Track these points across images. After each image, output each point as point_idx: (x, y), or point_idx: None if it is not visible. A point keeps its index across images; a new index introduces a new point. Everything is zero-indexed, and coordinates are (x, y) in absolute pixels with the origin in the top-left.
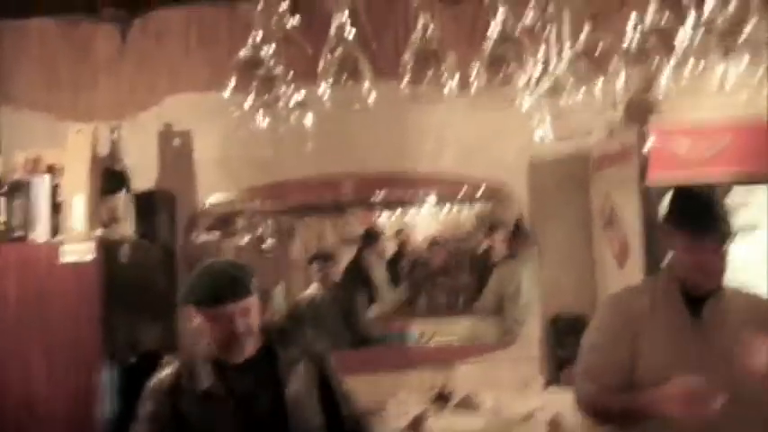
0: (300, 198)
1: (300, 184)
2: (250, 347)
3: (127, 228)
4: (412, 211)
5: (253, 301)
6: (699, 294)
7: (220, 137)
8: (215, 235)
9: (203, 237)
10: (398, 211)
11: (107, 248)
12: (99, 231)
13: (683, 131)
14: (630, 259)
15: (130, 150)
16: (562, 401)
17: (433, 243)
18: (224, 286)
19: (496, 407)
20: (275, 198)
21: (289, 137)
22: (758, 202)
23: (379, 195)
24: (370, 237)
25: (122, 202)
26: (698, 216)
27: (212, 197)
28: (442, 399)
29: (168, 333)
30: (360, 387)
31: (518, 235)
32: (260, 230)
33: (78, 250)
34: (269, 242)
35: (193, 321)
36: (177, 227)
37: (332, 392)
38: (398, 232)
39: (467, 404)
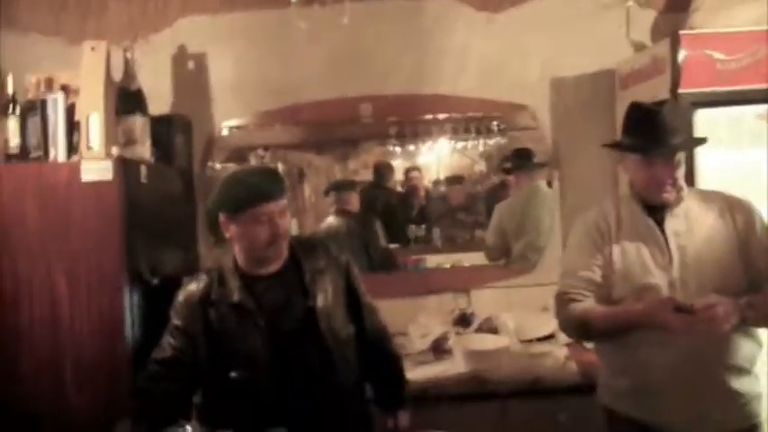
0: (316, 120)
1: (316, 107)
2: (281, 256)
3: (144, 150)
4: (428, 145)
5: (286, 204)
6: (659, 205)
7: (234, 60)
8: (231, 168)
9: (219, 166)
10: (413, 146)
11: (126, 169)
12: (117, 151)
13: (717, 39)
14: None
15: (144, 74)
16: None
17: (451, 181)
18: (263, 187)
19: (518, 328)
20: (290, 123)
21: (304, 58)
22: None
23: (394, 129)
24: (381, 172)
25: (139, 123)
26: (645, 130)
27: (228, 122)
28: (463, 321)
29: (188, 258)
30: (384, 309)
31: (520, 166)
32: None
33: (98, 169)
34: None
35: (228, 231)
36: (194, 153)
37: (358, 302)
38: (411, 169)
39: (488, 326)
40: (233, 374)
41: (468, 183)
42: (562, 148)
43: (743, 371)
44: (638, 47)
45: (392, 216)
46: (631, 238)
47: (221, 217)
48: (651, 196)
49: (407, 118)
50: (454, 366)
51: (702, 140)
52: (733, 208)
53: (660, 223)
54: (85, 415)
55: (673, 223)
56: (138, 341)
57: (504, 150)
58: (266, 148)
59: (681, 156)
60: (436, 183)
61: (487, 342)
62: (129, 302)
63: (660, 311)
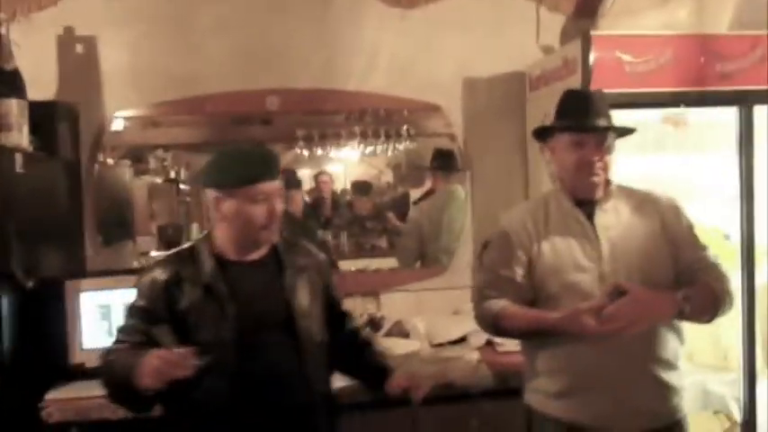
0: (220, 112)
1: (220, 99)
2: (270, 242)
3: (21, 138)
4: (336, 150)
5: (282, 187)
6: (588, 199)
7: (130, 45)
8: (126, 164)
9: (111, 161)
10: (322, 151)
11: None
12: None
13: (626, 42)
14: None
15: (25, 55)
16: None
17: (358, 189)
18: (262, 165)
19: (429, 332)
20: (189, 113)
21: (208, 48)
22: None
23: (302, 132)
24: (289, 181)
25: (15, 107)
26: (578, 111)
27: (121, 112)
28: (373, 325)
29: (72, 259)
30: None
31: (440, 167)
32: (173, 173)
33: None
34: (183, 186)
35: (219, 209)
36: (82, 145)
37: (335, 307)
38: (320, 173)
39: (399, 330)
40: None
41: (375, 193)
42: (473, 149)
43: (670, 365)
44: (548, 50)
45: (298, 223)
46: (561, 233)
47: (213, 193)
48: (580, 183)
49: (316, 112)
50: None
51: (631, 130)
52: (659, 204)
53: (590, 218)
54: None
55: (602, 217)
56: (10, 354)
57: (413, 156)
58: (166, 148)
59: (610, 143)
60: (343, 192)
61: (398, 347)
62: (3, 306)
63: (575, 321)
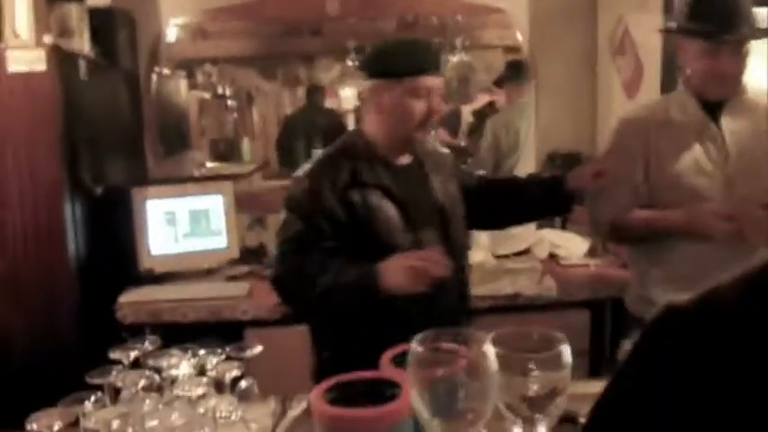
0: (277, 17)
1: (277, 3)
2: (424, 142)
3: (83, 43)
4: None
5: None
6: (716, 101)
7: None
8: (181, 75)
9: (169, 74)
10: None
11: (62, 60)
12: (50, 39)
13: None
14: (644, 88)
15: None
16: (556, 238)
17: None
18: (429, 56)
19: (493, 243)
20: (245, 19)
21: None
22: None
23: (353, 43)
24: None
25: (75, 12)
26: (713, 13)
27: (175, 19)
28: None
29: (136, 168)
30: None
31: (513, 78)
32: (220, 88)
33: (27, 58)
34: (231, 102)
35: (379, 100)
36: (139, 53)
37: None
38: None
39: None
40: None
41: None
42: (539, 56)
43: None
44: None
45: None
46: (683, 135)
47: (372, 83)
48: (712, 89)
49: (371, 18)
50: None
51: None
52: None
53: (716, 119)
54: (23, 335)
55: (731, 120)
56: (82, 258)
57: (464, 70)
58: (214, 62)
59: (748, 47)
60: None
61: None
62: (72, 215)
63: (702, 217)
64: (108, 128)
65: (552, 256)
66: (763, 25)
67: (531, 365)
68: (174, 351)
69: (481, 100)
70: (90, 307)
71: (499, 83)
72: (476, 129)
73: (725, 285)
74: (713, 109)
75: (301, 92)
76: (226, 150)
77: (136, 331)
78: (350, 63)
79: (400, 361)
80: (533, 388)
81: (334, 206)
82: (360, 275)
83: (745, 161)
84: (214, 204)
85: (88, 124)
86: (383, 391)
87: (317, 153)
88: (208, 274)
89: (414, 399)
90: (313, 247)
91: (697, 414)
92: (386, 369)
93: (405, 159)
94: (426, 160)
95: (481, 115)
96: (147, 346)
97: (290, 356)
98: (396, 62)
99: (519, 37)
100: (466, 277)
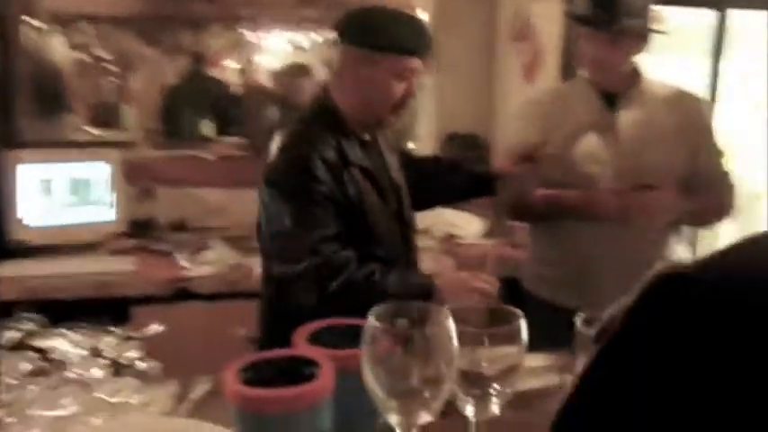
0: None
1: None
2: (392, 126)
3: None
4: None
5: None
6: (614, 92)
7: None
8: (58, 31)
9: (45, 28)
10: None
11: None
12: None
13: None
14: (542, 73)
15: None
16: (453, 218)
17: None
18: (422, 36)
19: None
20: None
21: None
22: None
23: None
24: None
25: None
26: (594, 6)
27: None
28: None
29: (6, 127)
30: (239, 202)
31: None
32: (98, 51)
33: None
34: (112, 67)
35: (356, 70)
36: (12, 2)
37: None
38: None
39: None
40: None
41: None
42: (441, 37)
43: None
44: None
45: None
46: (580, 123)
47: (354, 52)
48: (599, 77)
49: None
50: None
51: (655, 33)
52: (687, 101)
53: (613, 108)
54: None
55: (626, 110)
56: None
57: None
58: (92, 20)
59: (641, 39)
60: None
61: None
62: None
63: (596, 196)
64: None
65: (450, 237)
66: (657, 24)
67: (486, 341)
68: (62, 331)
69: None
70: None
71: None
72: None
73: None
74: (611, 99)
75: (184, 60)
76: (105, 116)
77: (6, 310)
78: (242, 31)
79: (316, 338)
80: (487, 365)
81: (333, 189)
82: (421, 292)
83: (637, 152)
84: (98, 173)
85: None
86: (301, 370)
87: (290, 123)
88: (90, 248)
89: (367, 377)
90: (339, 238)
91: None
92: (301, 347)
93: (367, 135)
94: (382, 140)
95: None
96: (31, 325)
97: (183, 335)
98: (389, 37)
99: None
100: (416, 260)
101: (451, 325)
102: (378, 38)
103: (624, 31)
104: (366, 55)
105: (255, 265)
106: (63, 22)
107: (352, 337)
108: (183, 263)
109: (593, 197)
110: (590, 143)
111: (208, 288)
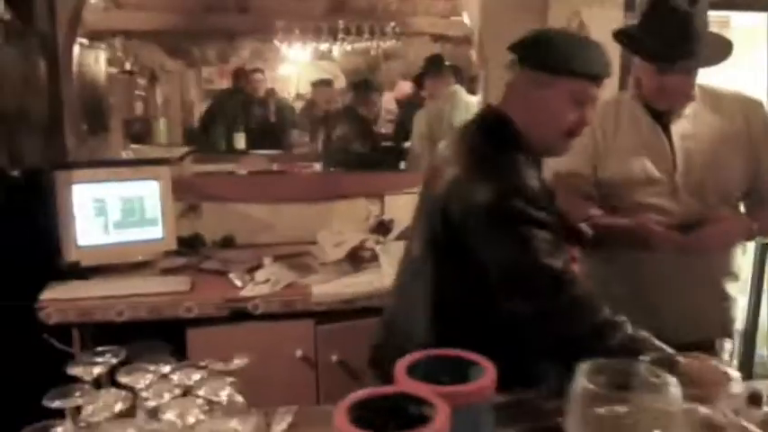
0: None
1: None
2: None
3: None
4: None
5: None
6: (666, 110)
7: None
8: (101, 47)
9: (86, 42)
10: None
11: None
12: None
13: None
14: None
15: None
16: None
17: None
18: (601, 62)
19: None
20: None
21: None
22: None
23: (281, 23)
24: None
25: None
26: (670, 35)
27: None
28: (381, 229)
29: (55, 148)
30: (284, 217)
31: (433, 72)
32: (128, 65)
33: None
34: (140, 81)
35: (539, 92)
36: (58, 20)
37: None
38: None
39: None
40: None
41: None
42: (488, 47)
43: (735, 276)
44: None
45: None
46: (632, 142)
47: (536, 74)
48: (659, 104)
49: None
50: (381, 277)
51: (730, 49)
52: (747, 109)
53: (665, 125)
54: None
55: (679, 125)
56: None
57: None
58: (128, 35)
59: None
60: (298, 95)
61: None
62: None
63: (655, 232)
64: (24, 100)
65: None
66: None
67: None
68: (145, 365)
69: (403, 88)
70: (8, 305)
71: (418, 79)
72: (402, 118)
73: None
74: (661, 115)
75: (210, 71)
76: (142, 130)
77: (62, 333)
78: (277, 43)
79: (414, 370)
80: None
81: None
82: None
83: (692, 169)
84: (149, 190)
85: (1, 94)
86: (412, 410)
87: (479, 151)
88: (140, 267)
89: None
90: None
91: None
92: (406, 382)
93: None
94: None
95: (407, 105)
96: (110, 358)
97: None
98: (569, 60)
99: (467, 22)
100: None
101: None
102: (558, 61)
103: (700, 61)
104: (545, 78)
105: (312, 284)
106: (102, 38)
107: (453, 368)
108: (237, 282)
109: (649, 230)
110: (642, 162)
111: (264, 308)
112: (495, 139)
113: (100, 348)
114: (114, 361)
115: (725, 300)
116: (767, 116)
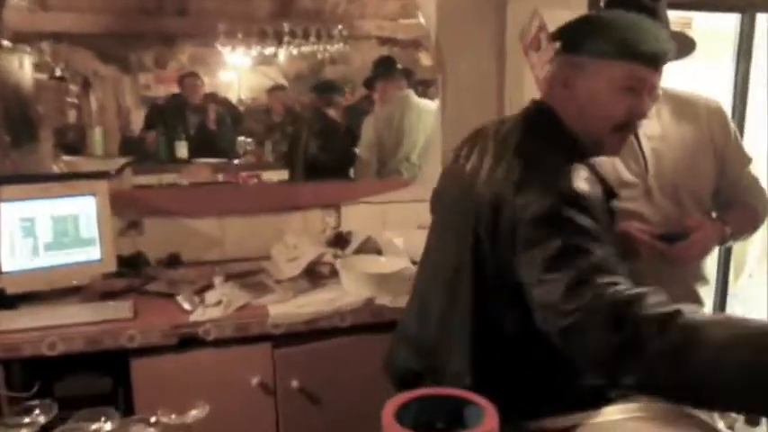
0: None
1: None
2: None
3: None
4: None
5: None
6: None
7: None
8: (26, 50)
9: (7, 43)
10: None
11: None
12: None
13: None
14: None
15: None
16: None
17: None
18: (659, 45)
19: (408, 248)
20: None
21: None
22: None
23: (223, 27)
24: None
25: None
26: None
27: None
28: (339, 241)
29: None
30: (234, 231)
31: (383, 75)
32: (58, 71)
33: None
34: (72, 88)
35: (586, 80)
36: None
37: None
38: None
39: (371, 247)
40: None
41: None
42: (446, 50)
43: (706, 280)
44: None
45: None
46: None
47: (580, 59)
48: None
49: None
50: (343, 295)
51: (693, 45)
52: (708, 112)
53: None
54: None
55: (645, 126)
56: None
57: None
58: (57, 38)
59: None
60: (239, 101)
61: (379, 265)
62: None
63: (641, 238)
64: None
65: None
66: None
67: None
68: (84, 427)
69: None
70: None
71: (369, 82)
72: (349, 123)
73: None
74: None
75: (147, 77)
76: (75, 141)
77: None
78: (219, 47)
79: (405, 412)
80: None
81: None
82: None
83: (663, 171)
84: (84, 207)
85: None
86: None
87: (527, 151)
88: (75, 292)
89: None
90: None
91: None
92: (392, 429)
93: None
94: None
95: (352, 110)
96: (38, 416)
97: (191, 388)
98: (619, 41)
99: (423, 23)
100: None
101: None
102: (607, 43)
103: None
104: (591, 63)
105: (268, 304)
106: (28, 41)
107: (447, 409)
108: (186, 305)
109: (635, 239)
110: (615, 166)
111: (217, 333)
112: (541, 137)
113: (28, 402)
114: (43, 420)
115: (698, 303)
116: (727, 118)
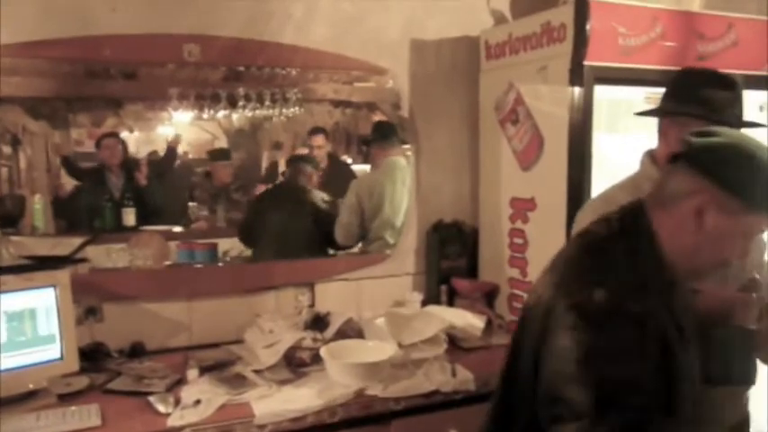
0: (123, 60)
1: (123, 42)
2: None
3: None
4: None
5: None
6: None
7: None
8: None
9: None
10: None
11: None
12: None
13: (623, 12)
14: (544, 159)
15: None
16: (451, 317)
17: (216, 156)
18: None
19: (393, 330)
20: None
21: None
22: None
23: (174, 91)
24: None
25: None
26: (702, 98)
27: None
28: (318, 323)
29: None
30: (201, 315)
31: (379, 139)
32: None
33: None
34: (4, 149)
35: (716, 219)
36: None
37: None
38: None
39: (352, 329)
40: None
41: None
42: (419, 119)
43: None
44: (498, 17)
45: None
46: None
47: (732, 200)
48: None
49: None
50: (330, 386)
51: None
52: None
53: None
54: None
55: None
56: None
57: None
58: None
59: None
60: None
61: (373, 350)
62: None
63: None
64: None
65: (452, 341)
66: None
67: None
68: None
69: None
70: None
71: (366, 144)
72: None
73: None
74: None
75: (80, 132)
76: (14, 209)
77: None
78: (171, 112)
79: None
80: None
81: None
82: None
83: None
84: (43, 301)
85: None
86: None
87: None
88: (31, 397)
89: None
90: None
91: None
92: None
93: None
94: None
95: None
96: None
97: None
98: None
99: (394, 92)
100: None
101: None
102: (759, 194)
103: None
104: (741, 209)
105: (251, 400)
106: None
107: None
108: (160, 407)
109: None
110: None
111: None
112: (625, 253)
113: None
114: None
115: None
116: None
